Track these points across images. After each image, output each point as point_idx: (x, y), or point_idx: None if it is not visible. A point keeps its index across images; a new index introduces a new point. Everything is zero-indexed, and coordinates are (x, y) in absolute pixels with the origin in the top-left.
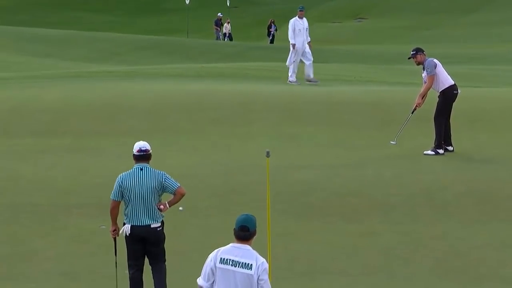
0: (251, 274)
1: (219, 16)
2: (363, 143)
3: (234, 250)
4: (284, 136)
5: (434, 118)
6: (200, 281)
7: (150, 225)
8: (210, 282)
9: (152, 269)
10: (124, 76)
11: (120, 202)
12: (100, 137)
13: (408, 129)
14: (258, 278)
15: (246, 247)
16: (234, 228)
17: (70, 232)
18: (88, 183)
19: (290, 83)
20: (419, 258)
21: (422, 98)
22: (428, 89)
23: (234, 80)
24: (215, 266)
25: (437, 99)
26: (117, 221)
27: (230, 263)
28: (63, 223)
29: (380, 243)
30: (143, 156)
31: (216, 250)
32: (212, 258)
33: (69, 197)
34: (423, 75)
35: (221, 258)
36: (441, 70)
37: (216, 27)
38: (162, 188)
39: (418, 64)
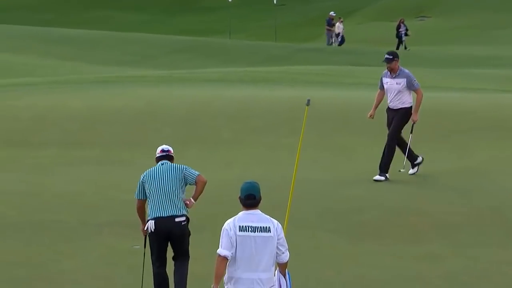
0: (271, 236)
1: (331, 15)
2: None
3: (249, 216)
4: (335, 148)
5: (391, 135)
6: (223, 251)
7: (174, 217)
8: (233, 251)
9: (174, 265)
10: (159, 81)
11: (145, 200)
12: (131, 148)
13: (476, 140)
14: (277, 238)
15: (257, 211)
16: (240, 197)
17: (100, 252)
18: (119, 199)
19: None
20: (487, 285)
21: (416, 112)
22: (421, 101)
23: (280, 85)
24: (236, 235)
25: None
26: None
27: (250, 229)
28: (92, 242)
29: (442, 267)
30: (165, 156)
31: (231, 220)
32: (231, 227)
33: (98, 214)
34: (396, 83)
35: (239, 226)
36: None
37: (328, 27)
38: (184, 179)
39: (391, 70)
